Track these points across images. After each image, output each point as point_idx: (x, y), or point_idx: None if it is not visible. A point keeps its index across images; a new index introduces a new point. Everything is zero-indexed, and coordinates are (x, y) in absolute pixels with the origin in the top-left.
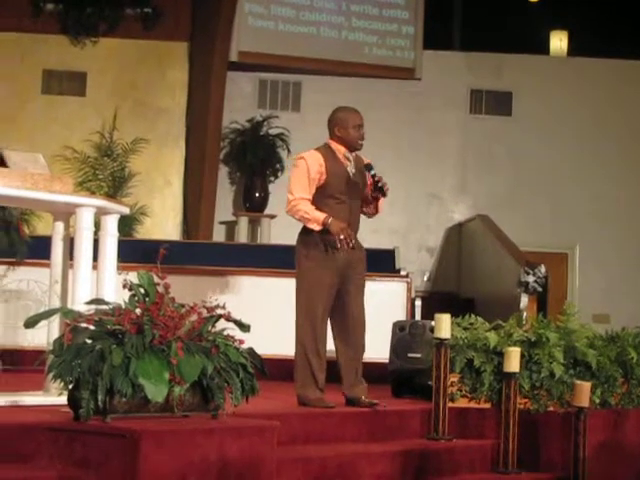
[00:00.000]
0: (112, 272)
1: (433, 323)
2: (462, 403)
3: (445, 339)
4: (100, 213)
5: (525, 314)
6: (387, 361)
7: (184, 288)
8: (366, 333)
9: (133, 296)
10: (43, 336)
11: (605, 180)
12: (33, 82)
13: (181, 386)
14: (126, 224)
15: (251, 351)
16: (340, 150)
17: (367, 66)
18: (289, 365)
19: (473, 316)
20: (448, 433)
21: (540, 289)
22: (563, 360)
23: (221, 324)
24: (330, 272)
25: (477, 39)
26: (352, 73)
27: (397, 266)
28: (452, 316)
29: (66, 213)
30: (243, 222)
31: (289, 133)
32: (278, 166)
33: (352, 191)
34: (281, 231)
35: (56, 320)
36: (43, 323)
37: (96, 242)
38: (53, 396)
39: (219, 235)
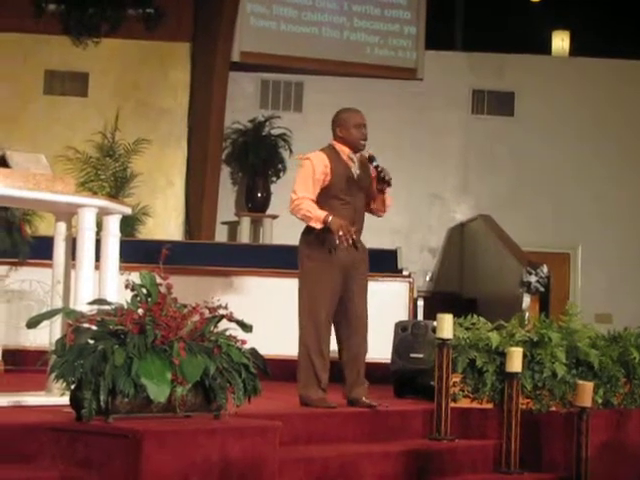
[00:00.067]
0: (114, 272)
1: (435, 323)
2: (464, 403)
3: (447, 339)
4: (102, 213)
5: (527, 314)
6: (389, 361)
7: (186, 288)
8: (368, 333)
9: (135, 296)
10: (45, 336)
11: (607, 180)
12: (35, 82)
13: (183, 386)
14: (128, 224)
15: (253, 351)
16: (344, 151)
17: (369, 66)
18: (291, 365)
19: (475, 316)
20: (450, 433)
21: (542, 289)
22: (565, 360)
23: (223, 324)
24: (333, 272)
25: (479, 39)
26: (354, 73)
27: (399, 266)
28: (454, 316)
29: (68, 213)
30: (245, 222)
31: (291, 133)
32: (280, 166)
33: (357, 192)
34: (283, 231)
35: (58, 320)
36: (45, 323)
37: (98, 242)
38: (55, 396)
39: (221, 235)
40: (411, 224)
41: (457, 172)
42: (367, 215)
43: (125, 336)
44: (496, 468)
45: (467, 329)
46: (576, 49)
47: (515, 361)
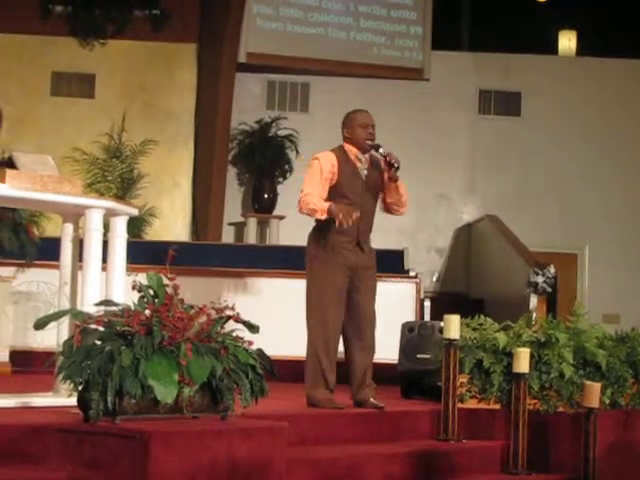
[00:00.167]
0: (121, 273)
1: (442, 324)
2: (471, 404)
3: (454, 340)
4: (109, 214)
5: (534, 314)
6: (396, 362)
7: (193, 289)
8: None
9: (142, 297)
10: (53, 337)
11: (615, 180)
12: (42, 84)
13: (190, 387)
14: (135, 225)
15: (260, 352)
16: (352, 151)
17: (375, 67)
18: (298, 366)
19: (482, 317)
20: (457, 434)
21: (549, 289)
22: (573, 361)
23: (230, 325)
24: (339, 272)
25: (485, 39)
26: (360, 74)
27: (406, 267)
28: (461, 317)
29: (75, 215)
30: (252, 223)
31: (297, 134)
32: (287, 167)
33: (365, 192)
34: (290, 232)
35: (66, 321)
36: (53, 324)
37: (105, 243)
38: (63, 397)
39: (228, 236)
40: (418, 224)
41: (464, 172)
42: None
43: (132, 337)
44: (503, 469)
45: (474, 329)
46: (583, 49)
47: (522, 362)
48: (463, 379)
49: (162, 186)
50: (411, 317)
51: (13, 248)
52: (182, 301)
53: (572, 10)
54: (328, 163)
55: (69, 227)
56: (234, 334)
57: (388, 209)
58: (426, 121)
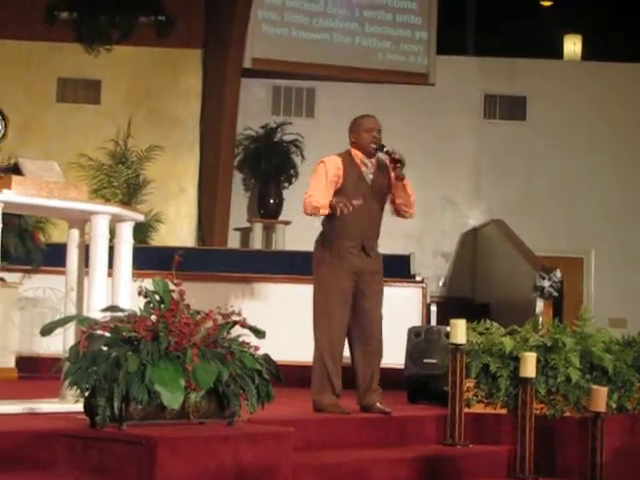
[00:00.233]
0: (127, 279)
1: (448, 328)
2: (478, 409)
3: (461, 344)
4: (115, 220)
5: (541, 319)
6: (403, 367)
7: (199, 295)
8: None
9: (148, 303)
10: (59, 343)
11: (620, 184)
12: (48, 90)
13: (197, 393)
14: (141, 231)
15: (266, 357)
16: (358, 155)
17: (381, 72)
18: (305, 371)
19: (488, 321)
20: (464, 439)
21: (556, 294)
22: (579, 365)
23: (236, 330)
24: (345, 277)
25: (491, 44)
26: (366, 79)
27: (412, 272)
28: (467, 321)
29: (81, 220)
30: (258, 228)
31: (303, 139)
32: (292, 172)
33: (370, 196)
34: (295, 237)
35: (72, 327)
36: (59, 330)
37: (111, 249)
38: (69, 403)
39: (234, 241)
40: (424, 229)
41: (469, 177)
42: None
43: (138, 343)
44: (510, 474)
45: (480, 334)
46: (588, 53)
47: (529, 366)
48: (470, 384)
49: (168, 192)
50: (417, 322)
51: (19, 254)
52: (188, 306)
53: (577, 14)
54: (333, 166)
55: (75, 233)
56: (240, 339)
57: (397, 211)
58: (431, 126)
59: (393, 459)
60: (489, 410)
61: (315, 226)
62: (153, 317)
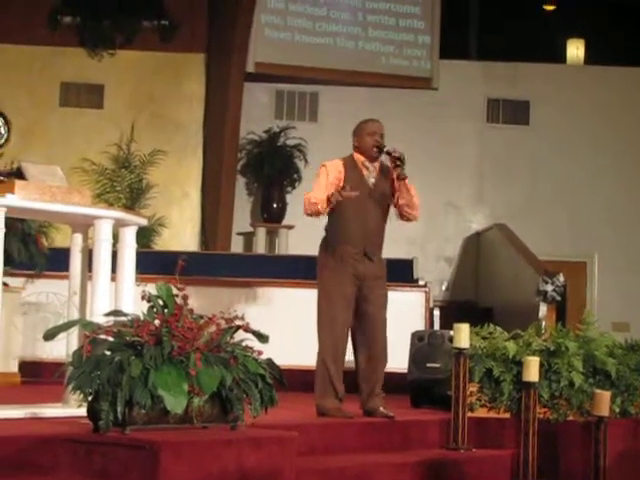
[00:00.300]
0: (130, 284)
1: (452, 333)
2: (481, 413)
3: (464, 349)
4: (118, 225)
5: (544, 323)
6: (406, 371)
7: (202, 299)
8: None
9: (152, 307)
10: (62, 348)
11: (623, 189)
12: (51, 95)
13: (200, 397)
14: (144, 236)
15: (270, 362)
16: (360, 159)
17: (384, 76)
18: (308, 376)
19: (492, 325)
20: (467, 443)
21: (559, 298)
22: (582, 369)
23: (240, 335)
24: (348, 281)
25: (494, 48)
26: (369, 83)
27: (415, 276)
28: (471, 326)
29: (84, 225)
30: (261, 233)
31: (306, 143)
32: (295, 176)
33: (371, 200)
34: (299, 241)
35: (75, 332)
36: (62, 335)
37: (114, 254)
38: (72, 408)
39: (237, 246)
40: (427, 234)
41: (472, 181)
42: None
43: (142, 347)
44: (513, 478)
45: (484, 338)
46: (591, 57)
47: (532, 370)
48: (473, 388)
49: (171, 196)
50: (420, 326)
51: (22, 259)
52: (191, 311)
53: (580, 18)
54: (334, 169)
55: (78, 237)
56: (243, 344)
57: (401, 213)
58: (434, 130)
59: (396, 463)
60: (492, 414)
61: (318, 231)
62: (156, 322)
